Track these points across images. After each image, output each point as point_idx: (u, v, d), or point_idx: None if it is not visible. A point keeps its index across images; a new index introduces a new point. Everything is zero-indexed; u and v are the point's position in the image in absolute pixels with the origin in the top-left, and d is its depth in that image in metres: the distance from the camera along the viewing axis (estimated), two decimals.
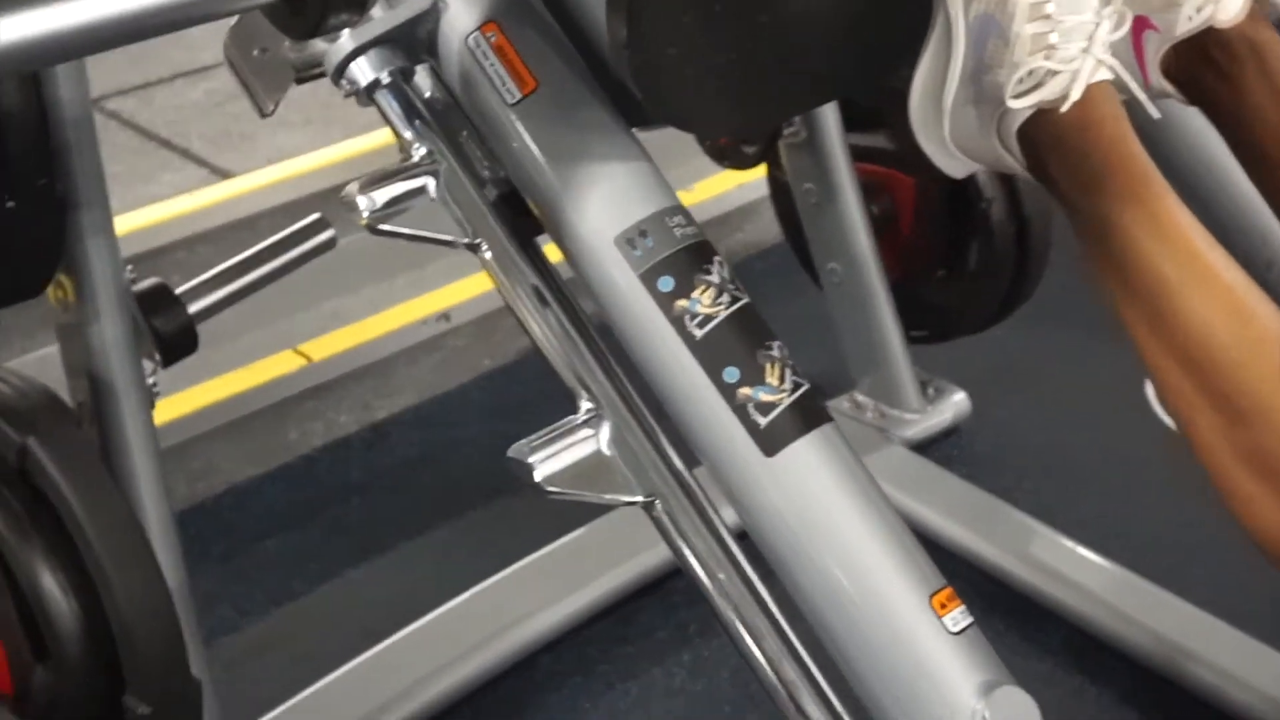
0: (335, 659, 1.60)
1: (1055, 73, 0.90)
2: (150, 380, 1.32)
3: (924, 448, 1.92)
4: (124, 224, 2.24)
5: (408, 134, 0.97)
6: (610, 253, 0.93)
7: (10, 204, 1.09)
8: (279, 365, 2.06)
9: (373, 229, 0.94)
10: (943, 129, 0.98)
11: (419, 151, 0.97)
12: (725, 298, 0.93)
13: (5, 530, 1.17)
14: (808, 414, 0.92)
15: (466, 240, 0.96)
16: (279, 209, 2.21)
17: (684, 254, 0.93)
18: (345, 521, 1.88)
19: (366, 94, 0.98)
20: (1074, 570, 1.66)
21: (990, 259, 1.84)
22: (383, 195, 0.94)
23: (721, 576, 0.92)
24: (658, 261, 0.93)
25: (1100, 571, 1.66)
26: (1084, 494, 1.87)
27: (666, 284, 0.92)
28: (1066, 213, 0.97)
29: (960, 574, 1.72)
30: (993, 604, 1.68)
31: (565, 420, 0.94)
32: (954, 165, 0.99)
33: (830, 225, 1.85)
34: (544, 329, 0.95)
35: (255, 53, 1.02)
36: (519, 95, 0.96)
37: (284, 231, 1.40)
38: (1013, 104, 0.92)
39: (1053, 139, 0.93)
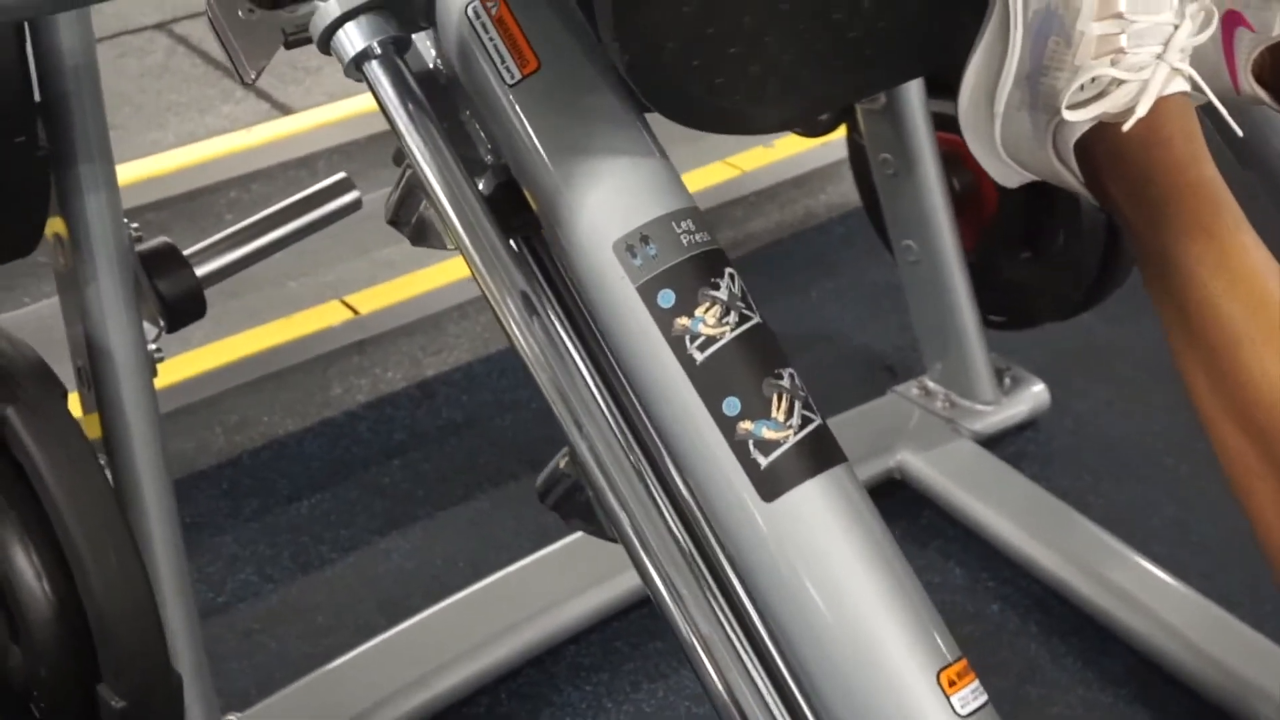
0: (353, 637, 1.54)
1: (1121, 81, 0.78)
2: (153, 345, 1.25)
3: (994, 442, 1.80)
4: (176, 159, 2.20)
5: (397, 118, 0.87)
6: (608, 259, 0.83)
7: None
8: (324, 316, 1.99)
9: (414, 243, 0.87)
10: (994, 133, 0.86)
11: (408, 137, 0.87)
12: (732, 317, 0.83)
13: None
14: (816, 455, 0.82)
15: (451, 244, 0.87)
16: (337, 149, 2.13)
17: (689, 265, 0.83)
18: (383, 485, 1.81)
19: (354, 66, 0.88)
20: (1143, 591, 1.54)
21: (1079, 241, 1.71)
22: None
23: (705, 632, 0.82)
24: (659, 273, 0.83)
25: (1172, 595, 1.54)
26: (1162, 502, 1.74)
27: (667, 299, 0.83)
28: (1127, 237, 0.86)
29: (1020, 585, 1.62)
30: (1053, 622, 1.58)
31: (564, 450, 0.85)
32: (1005, 173, 0.88)
33: (907, 199, 1.73)
34: (529, 343, 0.86)
35: (241, 13, 0.93)
36: (519, 75, 0.86)
37: (305, 191, 1.32)
38: (1069, 115, 0.80)
39: (1113, 156, 0.82)
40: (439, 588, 1.59)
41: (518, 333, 0.85)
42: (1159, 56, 0.78)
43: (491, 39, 0.86)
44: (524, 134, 0.86)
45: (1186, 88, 0.80)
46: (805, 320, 2.10)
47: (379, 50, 0.88)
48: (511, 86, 0.86)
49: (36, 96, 1.10)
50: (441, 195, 0.85)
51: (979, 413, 1.81)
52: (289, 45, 0.94)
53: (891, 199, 1.75)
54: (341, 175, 1.34)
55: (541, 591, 1.58)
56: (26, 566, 1.11)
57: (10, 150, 1.02)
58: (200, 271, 1.25)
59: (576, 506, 0.87)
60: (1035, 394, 1.85)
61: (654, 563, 0.82)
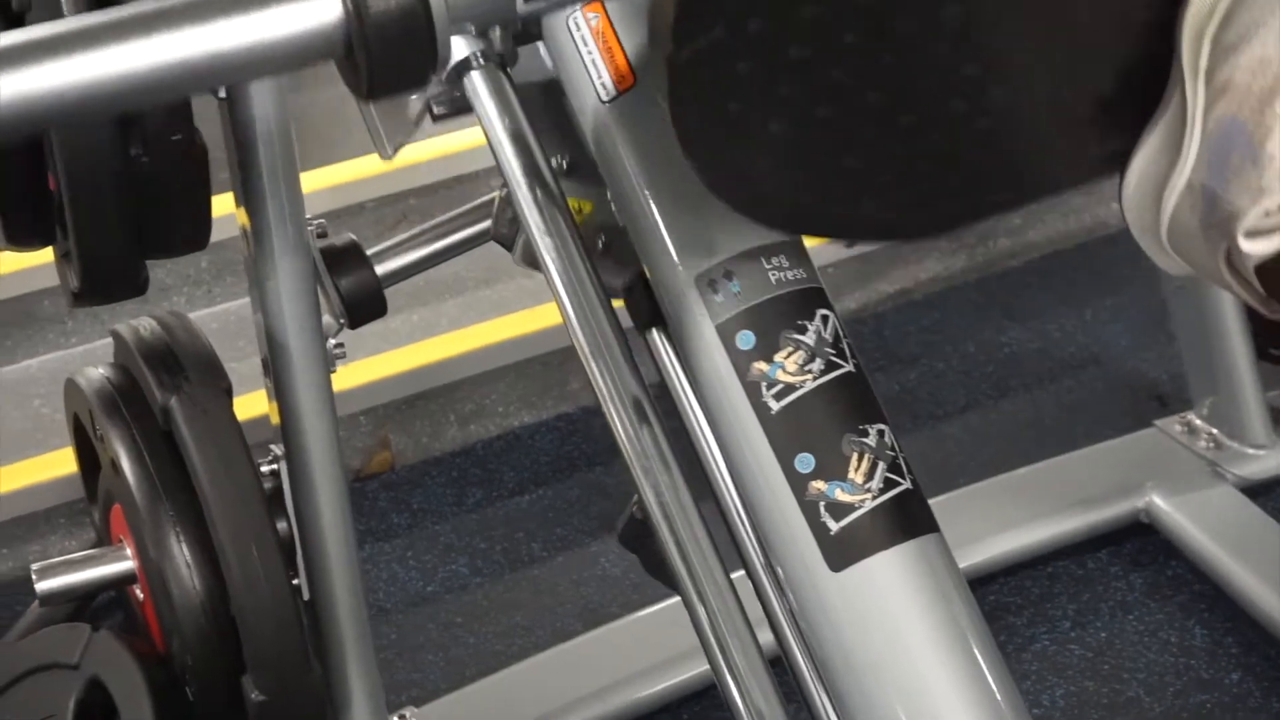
0: (549, 638, 1.53)
1: None
2: (333, 343, 1.26)
3: (1261, 491, 1.64)
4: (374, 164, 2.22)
5: (496, 134, 0.83)
6: (689, 293, 0.78)
7: (144, 159, 1.03)
8: None
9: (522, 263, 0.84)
10: (1160, 230, 0.75)
11: (504, 157, 0.83)
12: (817, 365, 0.75)
13: (140, 494, 1.14)
14: (896, 524, 0.74)
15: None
16: None
17: (774, 305, 0.77)
18: (605, 485, 1.79)
19: (455, 74, 0.85)
20: None
21: None
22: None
23: (762, 709, 0.76)
24: (740, 311, 0.77)
25: None
26: None
27: (746, 340, 0.76)
28: None
29: (1267, 655, 1.47)
30: None
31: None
32: (1173, 265, 0.76)
33: None
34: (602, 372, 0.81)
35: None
36: (614, 91, 0.81)
37: (492, 194, 1.30)
38: (1248, 246, 0.68)
39: None
40: (639, 598, 1.56)
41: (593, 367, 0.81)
42: None
43: (590, 51, 0.82)
44: (617, 154, 0.81)
45: None
46: (1076, 338, 1.97)
47: (481, 61, 0.84)
48: (606, 103, 0.81)
49: (220, 92, 1.12)
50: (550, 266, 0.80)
51: (1247, 456, 1.65)
52: (437, 119, 0.92)
53: None
54: None
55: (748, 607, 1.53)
56: (179, 557, 1.13)
57: (167, 146, 1.03)
58: (381, 270, 1.25)
59: (650, 554, 0.82)
60: None
61: (714, 631, 0.77)
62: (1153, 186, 0.73)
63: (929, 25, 0.64)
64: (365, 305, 1.25)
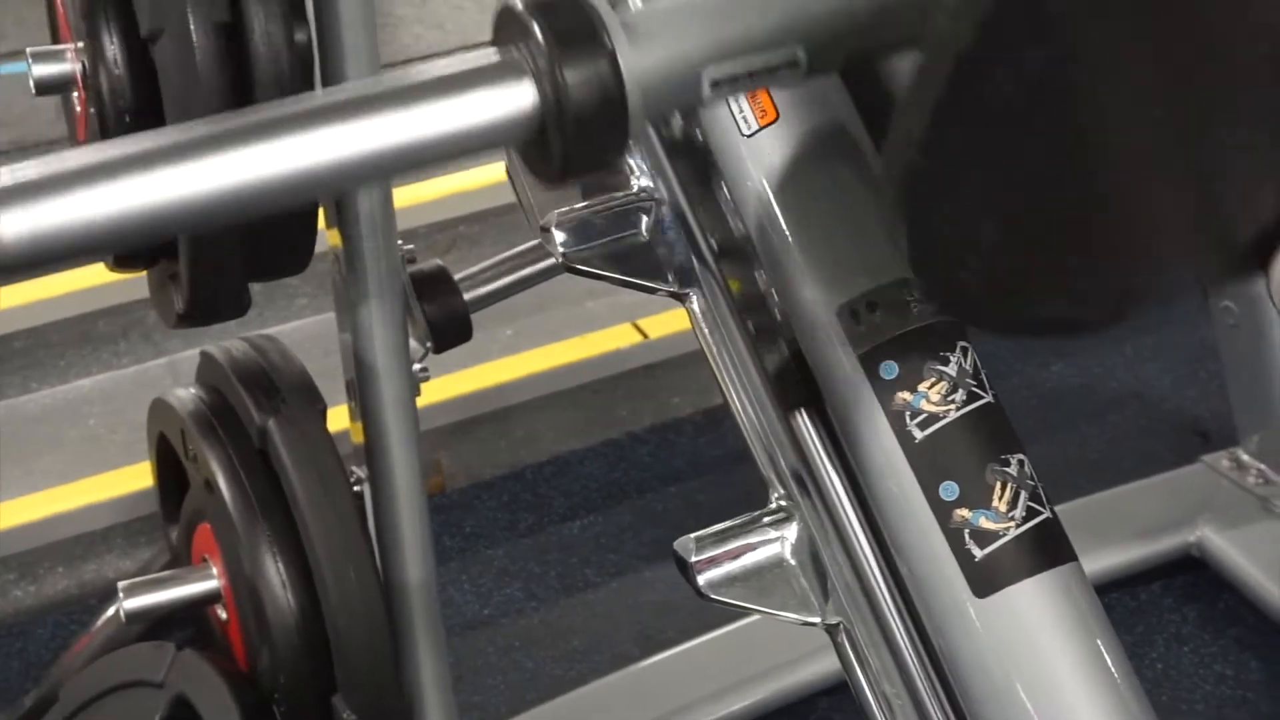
0: (606, 663, 1.54)
1: None
2: (418, 366, 1.27)
3: None
4: (485, 175, 2.24)
5: (630, 161, 0.85)
6: (831, 324, 0.79)
7: None
8: (617, 339, 1.99)
9: (568, 267, 0.83)
10: None
11: (637, 182, 0.85)
12: (960, 395, 0.77)
13: (238, 512, 1.15)
14: (1039, 552, 0.75)
15: (671, 289, 0.84)
16: None
17: (916, 336, 0.78)
18: (656, 512, 1.80)
19: None
20: None
21: None
22: (585, 230, 0.83)
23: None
24: (884, 342, 0.78)
25: None
26: None
27: (890, 370, 0.78)
28: None
29: None
30: None
31: (749, 515, 0.81)
32: None
33: None
34: (743, 400, 0.82)
35: None
36: (756, 126, 0.83)
37: None
38: None
39: None
40: (696, 624, 1.57)
41: (730, 387, 0.82)
42: None
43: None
44: (756, 188, 0.82)
45: None
46: (1118, 375, 1.98)
47: None
48: (747, 138, 0.83)
49: None
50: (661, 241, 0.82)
51: None
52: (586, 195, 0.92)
53: None
54: None
55: (798, 639, 1.52)
56: (274, 575, 1.14)
57: None
58: (469, 296, 1.26)
59: None
60: None
61: (853, 645, 0.78)
62: None
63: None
64: (452, 330, 1.26)
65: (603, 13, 0.63)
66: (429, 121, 0.63)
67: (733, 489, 1.82)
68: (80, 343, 1.92)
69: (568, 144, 0.63)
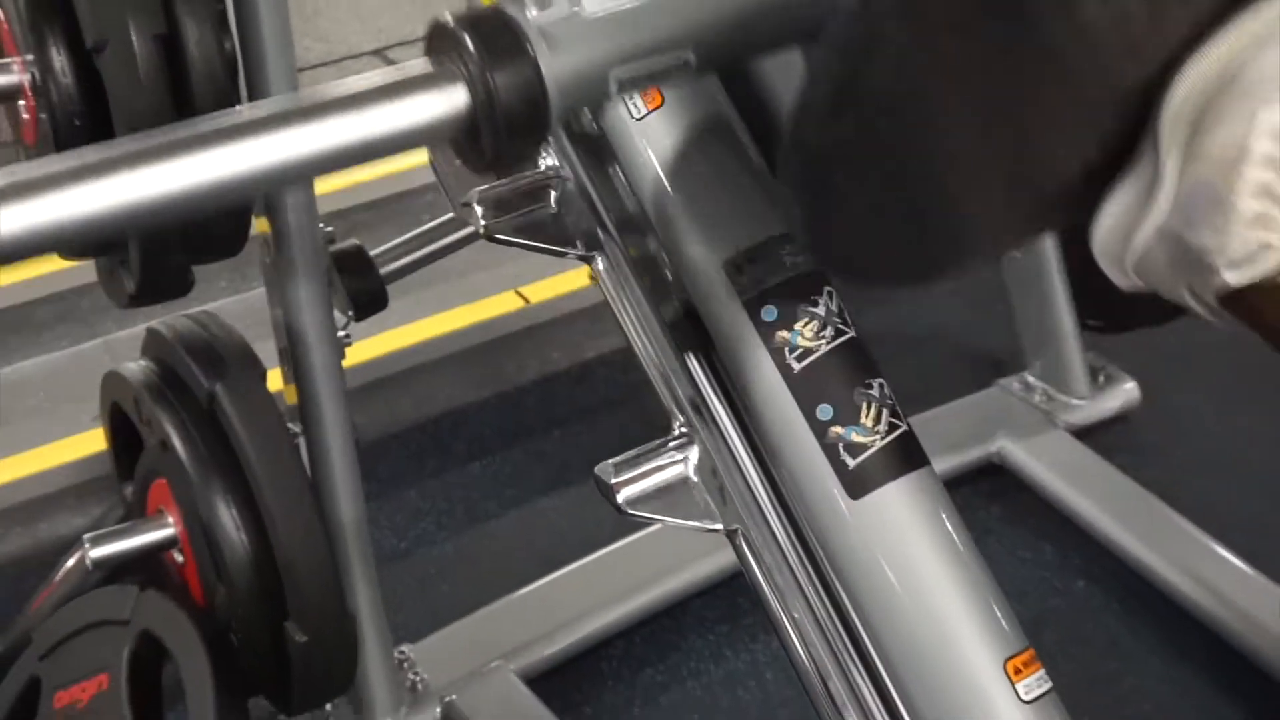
0: (513, 583, 1.54)
1: (1273, 248, 0.69)
2: (342, 333, 1.25)
3: (1087, 434, 1.72)
4: (383, 167, 2.21)
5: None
6: (717, 277, 0.80)
7: None
8: (501, 305, 1.99)
9: (489, 237, 0.83)
10: (1125, 262, 0.77)
11: (545, 161, 0.85)
12: (829, 331, 0.79)
13: (192, 466, 1.13)
14: (901, 458, 0.77)
15: (579, 253, 0.84)
16: None
17: (791, 284, 0.79)
18: (546, 452, 1.80)
19: None
20: (1221, 578, 1.46)
21: None
22: (501, 204, 0.83)
23: (796, 615, 0.79)
24: (763, 290, 0.79)
25: (1248, 583, 1.45)
26: (1245, 497, 1.64)
27: (770, 314, 0.79)
28: None
29: (1105, 565, 1.55)
30: (1134, 601, 1.50)
31: (657, 441, 0.82)
32: (1130, 284, 0.79)
33: None
34: (644, 341, 0.83)
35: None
36: (645, 111, 0.83)
37: None
38: (1229, 275, 0.70)
39: (1261, 305, 0.72)
40: (589, 544, 1.58)
41: (636, 336, 0.83)
42: None
43: None
44: (647, 164, 0.83)
45: None
46: (923, 315, 2.03)
47: None
48: (638, 121, 0.83)
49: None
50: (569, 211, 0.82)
51: (1074, 406, 1.72)
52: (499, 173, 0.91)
53: None
54: None
55: (674, 552, 1.56)
56: (228, 520, 1.12)
57: None
58: (384, 270, 1.25)
59: None
60: (1126, 391, 1.76)
61: (750, 545, 0.79)
62: (1123, 230, 0.75)
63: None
64: (371, 301, 1.25)
65: (525, 26, 0.64)
66: (378, 121, 0.63)
67: (609, 430, 1.83)
68: (21, 328, 1.85)
69: (498, 138, 0.64)
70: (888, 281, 0.79)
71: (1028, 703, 0.73)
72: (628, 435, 1.90)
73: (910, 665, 0.75)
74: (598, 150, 0.88)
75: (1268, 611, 1.41)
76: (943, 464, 1.78)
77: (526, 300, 1.99)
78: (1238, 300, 0.71)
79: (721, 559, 1.54)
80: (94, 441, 1.69)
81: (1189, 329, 1.90)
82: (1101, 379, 1.76)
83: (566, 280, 2.03)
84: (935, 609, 0.75)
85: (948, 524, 0.78)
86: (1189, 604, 1.46)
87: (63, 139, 0.99)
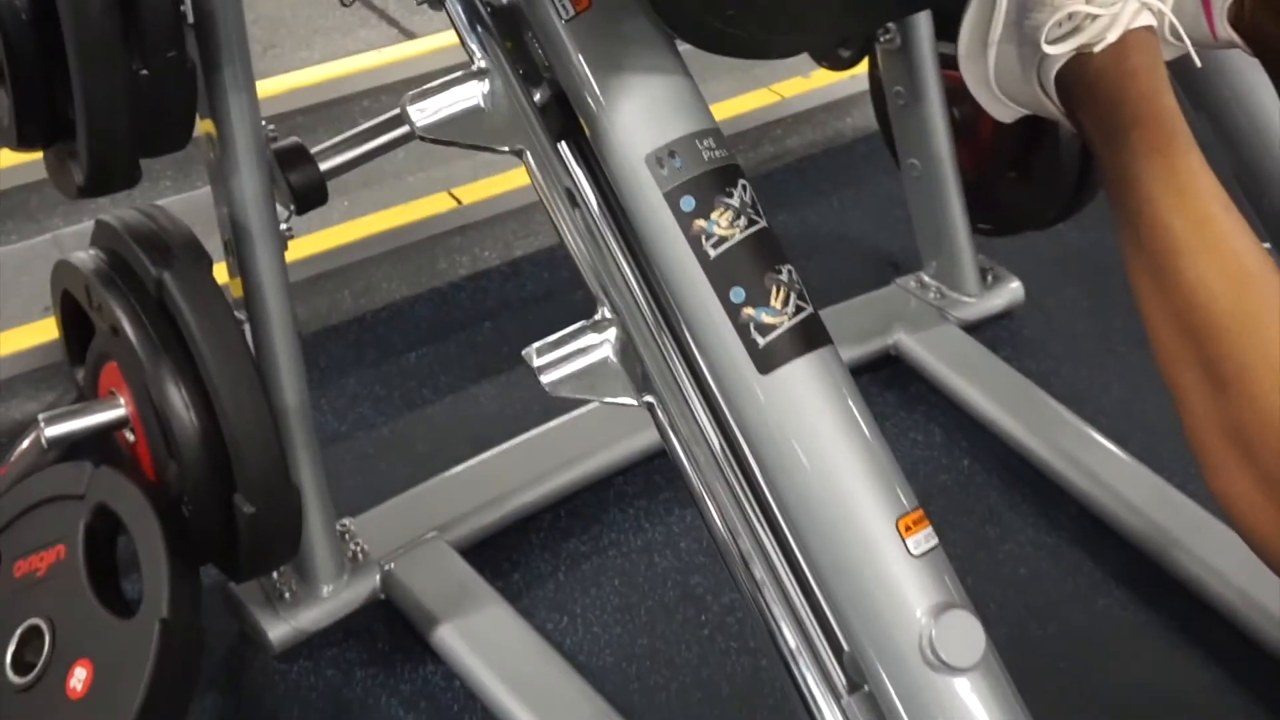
0: (446, 462, 1.54)
1: (1095, 16, 0.73)
2: (284, 226, 1.23)
3: (976, 328, 1.75)
4: (321, 73, 2.17)
5: (471, 43, 0.84)
6: (640, 170, 0.80)
7: (144, 71, 0.99)
8: (435, 205, 1.97)
9: (423, 137, 0.82)
10: (988, 70, 0.81)
11: (477, 64, 0.84)
12: (742, 221, 0.79)
13: (143, 350, 1.11)
14: (806, 338, 0.79)
15: (509, 148, 0.84)
16: (452, 68, 2.08)
17: (709, 177, 0.80)
18: (477, 342, 1.80)
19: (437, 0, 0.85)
20: (1090, 456, 1.51)
21: (1057, 164, 1.64)
22: (433, 105, 0.82)
23: (709, 480, 0.80)
24: (682, 182, 0.80)
25: (1113, 460, 1.50)
26: (1113, 384, 1.69)
27: (688, 204, 0.80)
28: (1096, 161, 0.81)
29: (988, 445, 1.59)
30: (1013, 477, 1.55)
31: (579, 324, 0.82)
32: (999, 109, 0.83)
33: (915, 125, 1.66)
34: (571, 232, 0.83)
35: None
36: (573, 12, 0.82)
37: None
38: (1049, 49, 0.75)
39: (1087, 86, 0.76)
40: (517, 426, 1.59)
41: (562, 224, 0.83)
42: None
43: None
44: (575, 63, 0.82)
45: (1153, 22, 0.75)
46: (829, 222, 2.05)
47: None
48: (566, 22, 0.82)
49: (189, 18, 1.08)
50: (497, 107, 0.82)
51: (964, 303, 1.76)
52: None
53: (901, 124, 1.69)
54: None
55: (597, 433, 1.57)
56: (178, 400, 1.11)
57: (164, 62, 1.00)
58: (324, 166, 1.23)
59: None
60: (1012, 290, 1.80)
61: (668, 418, 0.80)
62: (979, 33, 0.79)
63: None
64: (311, 195, 1.23)
65: None
66: None
67: (537, 321, 1.83)
68: None
69: None
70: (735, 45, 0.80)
71: (916, 556, 0.76)
72: (555, 327, 1.90)
73: (812, 524, 0.77)
74: (527, 51, 0.87)
75: (1132, 486, 1.46)
76: (844, 354, 1.73)
77: (459, 201, 1.98)
78: (1066, 89, 0.76)
79: (641, 440, 1.56)
80: (47, 330, 1.66)
81: (1069, 235, 1.96)
82: (990, 279, 1.79)
83: (497, 183, 2.01)
84: (834, 472, 0.77)
85: (848, 397, 0.79)
86: (1062, 480, 1.51)
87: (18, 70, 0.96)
